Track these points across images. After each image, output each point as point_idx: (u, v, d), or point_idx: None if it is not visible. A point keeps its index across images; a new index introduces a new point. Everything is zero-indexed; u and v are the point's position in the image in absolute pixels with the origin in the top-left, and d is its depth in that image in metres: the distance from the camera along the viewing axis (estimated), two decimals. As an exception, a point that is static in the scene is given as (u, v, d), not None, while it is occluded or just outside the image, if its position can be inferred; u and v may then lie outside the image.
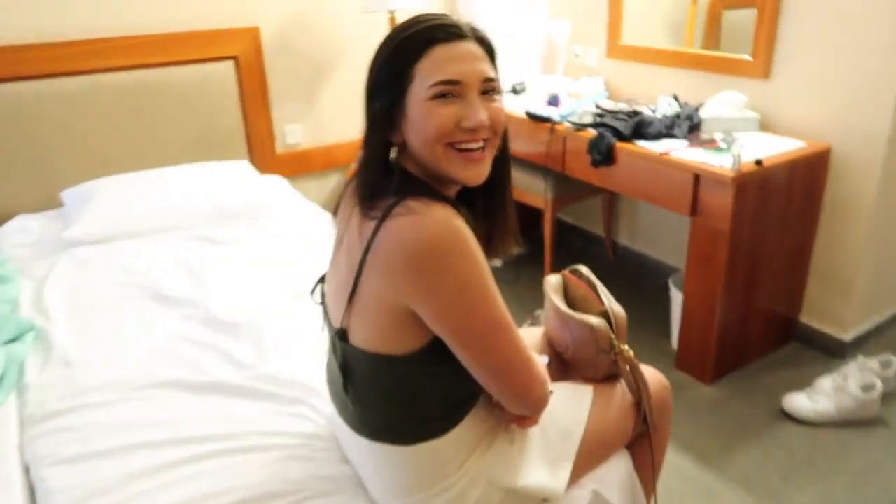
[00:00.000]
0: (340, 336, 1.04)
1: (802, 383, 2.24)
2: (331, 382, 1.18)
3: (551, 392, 1.09)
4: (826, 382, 2.16)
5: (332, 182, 3.17)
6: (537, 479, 1.14)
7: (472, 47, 1.00)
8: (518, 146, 2.85)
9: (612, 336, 1.29)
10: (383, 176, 1.01)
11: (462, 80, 0.97)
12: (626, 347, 1.30)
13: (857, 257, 2.33)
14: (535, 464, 1.15)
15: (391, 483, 1.10)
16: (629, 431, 1.31)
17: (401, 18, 2.83)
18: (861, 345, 2.47)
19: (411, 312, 0.96)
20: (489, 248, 1.14)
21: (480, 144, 1.01)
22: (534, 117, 2.72)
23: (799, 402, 2.15)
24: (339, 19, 2.97)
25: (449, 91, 0.97)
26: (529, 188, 2.89)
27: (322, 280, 1.19)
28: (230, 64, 2.75)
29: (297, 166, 3.03)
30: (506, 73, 3.19)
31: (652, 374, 1.38)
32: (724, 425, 2.13)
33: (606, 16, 2.99)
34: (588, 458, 1.23)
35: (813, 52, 2.28)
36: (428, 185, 1.01)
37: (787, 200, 2.27)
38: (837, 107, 2.26)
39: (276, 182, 2.66)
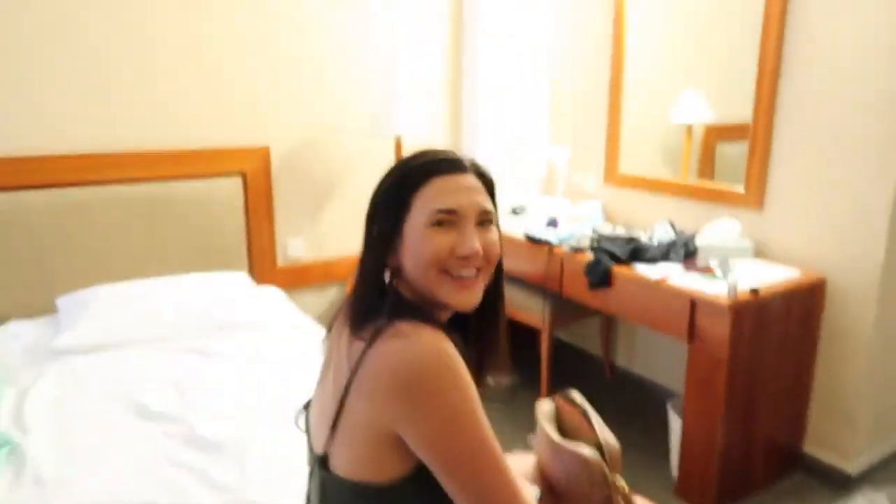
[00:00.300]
0: (321, 463, 1.01)
1: (809, 520, 2.14)
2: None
3: None
4: (834, 520, 2.07)
5: (330, 295, 3.18)
6: None
7: (471, 180, 1.04)
8: (517, 266, 2.88)
9: (606, 468, 1.24)
10: (376, 298, 1.02)
11: (458, 210, 1.00)
12: (621, 480, 1.26)
13: (857, 387, 2.29)
14: None
15: None
16: None
17: (406, 143, 2.98)
18: (868, 477, 2.38)
19: (397, 438, 0.93)
20: (479, 376, 1.13)
21: (473, 272, 1.03)
22: (532, 239, 2.78)
23: (807, 541, 2.04)
24: (347, 141, 3.09)
25: (445, 220, 0.99)
26: (527, 308, 2.90)
27: (307, 406, 1.17)
28: (238, 179, 2.84)
29: (297, 279, 3.06)
30: (507, 195, 3.31)
31: None
32: (729, 565, 2.01)
33: (604, 144, 3.12)
34: None
35: (804, 185, 2.36)
36: (419, 309, 1.02)
37: (784, 329, 2.26)
38: (830, 237, 2.31)
39: (273, 294, 2.67)
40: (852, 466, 2.35)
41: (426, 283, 1.01)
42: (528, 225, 2.92)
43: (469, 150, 3.32)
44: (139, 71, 2.59)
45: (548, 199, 3.31)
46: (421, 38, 3.22)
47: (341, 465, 0.99)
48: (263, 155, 2.89)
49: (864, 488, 2.19)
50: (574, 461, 1.25)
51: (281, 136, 2.94)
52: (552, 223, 2.85)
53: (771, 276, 2.28)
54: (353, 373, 0.95)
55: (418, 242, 0.99)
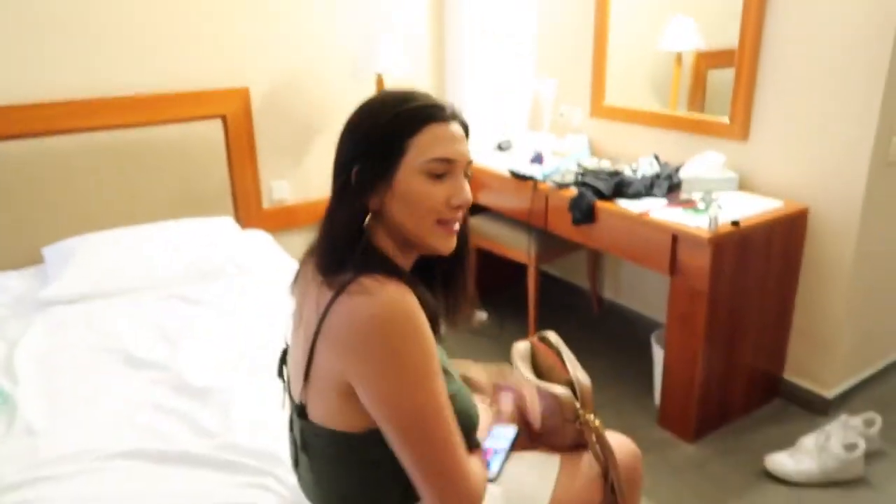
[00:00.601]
0: (299, 412, 1.03)
1: (786, 442, 2.21)
2: (292, 457, 1.17)
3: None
4: (809, 441, 2.14)
5: (317, 237, 3.19)
6: None
7: (459, 129, 1.04)
8: (502, 202, 2.88)
9: (577, 405, 1.28)
10: (350, 244, 1.01)
11: (455, 159, 1.02)
12: (593, 417, 1.30)
13: (837, 316, 2.33)
14: None
15: None
16: (596, 502, 1.29)
17: (388, 81, 2.93)
18: (845, 402, 2.46)
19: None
20: (449, 318, 1.15)
21: (459, 219, 1.06)
22: (517, 175, 2.76)
23: (782, 461, 2.12)
24: (328, 81, 3.03)
25: (444, 170, 1.00)
26: (513, 243, 2.91)
27: (284, 355, 1.19)
28: (218, 122, 2.80)
29: (283, 222, 3.06)
30: (492, 130, 3.27)
31: (621, 443, 1.37)
32: (705, 486, 2.10)
33: (591, 76, 3.06)
34: None
35: (789, 115, 2.33)
36: (388, 261, 1.02)
37: (765, 260, 2.28)
38: (814, 168, 2.30)
39: (259, 237, 2.68)
40: (830, 392, 2.41)
41: (418, 231, 1.02)
42: (513, 161, 2.90)
43: (454, 86, 3.26)
44: (113, 14, 2.52)
45: (534, 134, 3.28)
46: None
47: (318, 415, 1.01)
48: (243, 96, 2.84)
49: (839, 414, 2.26)
50: (547, 399, 1.30)
51: (261, 76, 2.88)
52: (537, 159, 2.83)
53: (754, 208, 2.28)
54: (320, 323, 0.96)
55: (415, 192, 0.99)
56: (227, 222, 2.64)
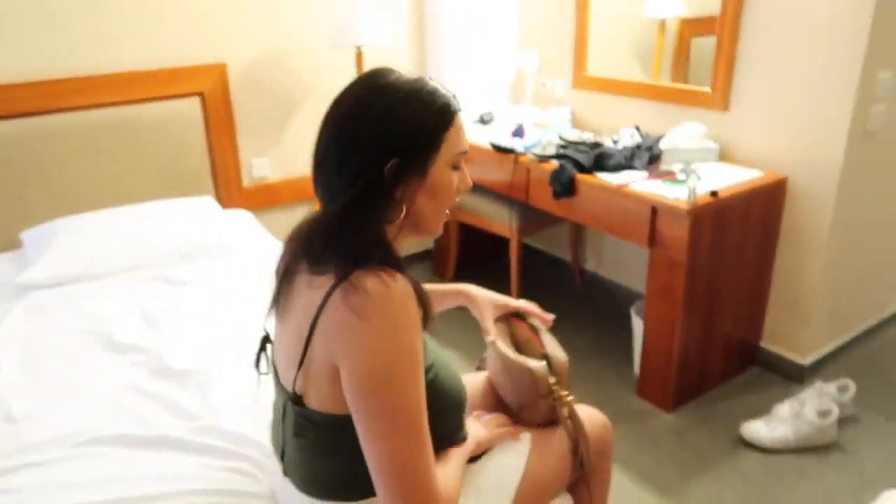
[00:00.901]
0: (294, 400, 1.03)
1: (762, 409, 2.26)
2: (276, 444, 1.17)
3: None
4: (784, 409, 2.19)
5: (299, 215, 3.14)
6: None
7: None
8: (484, 175, 2.88)
9: (551, 380, 1.30)
10: (367, 237, 0.98)
11: (468, 150, 1.07)
12: (566, 392, 1.32)
13: (814, 284, 2.36)
14: None
15: None
16: (567, 476, 1.32)
17: (368, 54, 2.89)
18: (819, 369, 2.51)
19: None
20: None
21: None
22: (498, 148, 2.76)
23: (757, 429, 2.17)
24: (307, 54, 2.99)
25: (461, 161, 1.06)
26: (495, 217, 2.92)
27: (265, 342, 1.19)
28: (196, 100, 2.77)
29: (265, 200, 3.04)
30: (474, 103, 3.25)
31: (591, 415, 1.40)
32: (683, 454, 2.14)
33: (573, 47, 3.04)
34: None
35: (769, 85, 2.33)
36: (392, 252, 1.01)
37: (744, 230, 2.30)
38: (793, 138, 2.31)
39: (241, 217, 2.67)
40: (806, 360, 2.46)
41: (436, 218, 1.06)
42: (495, 134, 2.88)
43: (435, 58, 3.23)
44: (82, -10, 2.47)
45: (516, 107, 3.26)
46: (378, -61, 3.05)
47: (314, 400, 1.01)
48: (221, 72, 2.81)
49: (814, 381, 2.31)
50: (521, 374, 1.31)
51: (238, 51, 2.84)
52: (518, 132, 2.82)
53: (733, 179, 2.29)
54: (319, 311, 0.95)
55: (444, 182, 1.03)
56: (208, 202, 2.63)
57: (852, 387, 2.24)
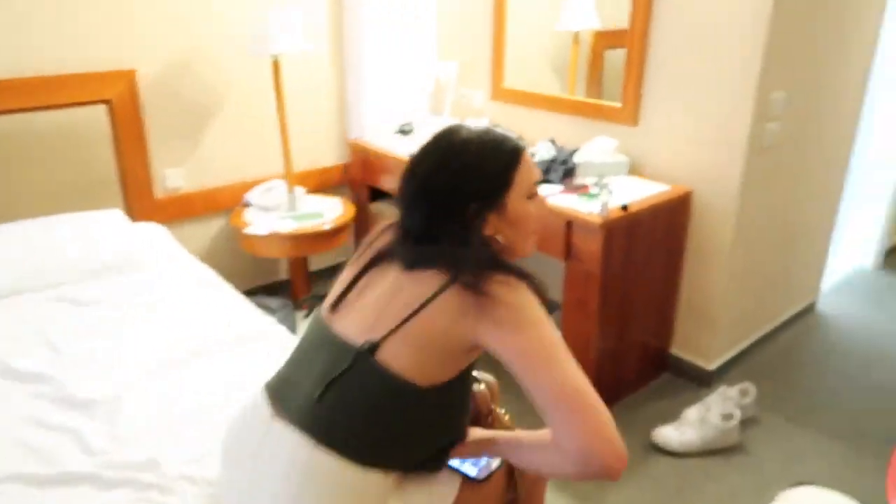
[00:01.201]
0: (371, 350, 1.09)
1: (673, 415, 2.36)
2: (292, 387, 1.18)
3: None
4: (692, 413, 2.30)
5: (215, 227, 3.08)
6: None
7: None
8: (404, 188, 2.87)
9: (491, 404, 1.35)
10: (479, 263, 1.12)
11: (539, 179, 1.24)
12: (503, 410, 1.37)
13: (718, 292, 2.49)
14: None
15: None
16: (501, 498, 1.35)
17: (285, 61, 2.84)
18: (724, 373, 2.64)
19: (466, 348, 1.08)
20: None
21: None
22: (418, 160, 2.76)
23: (667, 434, 2.27)
24: (222, 63, 2.91)
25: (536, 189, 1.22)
26: (417, 229, 2.92)
27: (317, 299, 1.23)
28: (103, 108, 2.65)
29: (178, 211, 2.94)
30: (394, 114, 3.25)
31: None
32: (600, 462, 2.21)
33: (490, 58, 3.08)
34: None
35: (675, 101, 2.44)
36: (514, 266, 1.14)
37: (653, 241, 2.40)
38: (697, 154, 2.42)
39: (152, 231, 2.57)
40: (712, 364, 2.59)
41: (523, 244, 1.22)
42: (415, 146, 2.88)
43: (354, 68, 3.20)
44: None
45: (436, 118, 3.28)
46: (295, -54, 3.00)
47: (390, 360, 1.08)
48: (129, 79, 2.69)
49: (720, 384, 2.43)
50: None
51: (149, 58, 2.73)
52: (438, 144, 2.83)
53: (643, 192, 2.38)
54: (440, 292, 1.07)
55: (522, 213, 1.18)
56: (116, 215, 2.51)
57: (753, 390, 2.38)
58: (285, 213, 2.95)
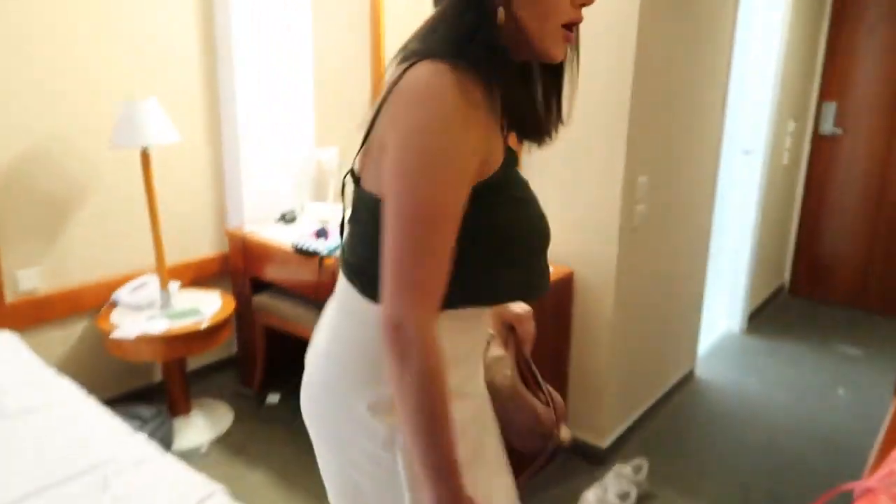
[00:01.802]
0: (355, 180, 1.05)
1: (571, 499, 2.34)
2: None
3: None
4: (591, 496, 2.29)
5: (78, 331, 2.82)
6: None
7: None
8: (288, 276, 2.78)
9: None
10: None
11: None
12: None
13: (603, 367, 2.54)
14: None
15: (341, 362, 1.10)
16: None
17: (155, 151, 2.71)
18: (618, 449, 2.67)
19: None
20: (542, 122, 1.22)
21: (580, 23, 1.02)
22: (301, 251, 2.69)
23: (569, 520, 2.24)
24: (87, 153, 2.74)
25: None
26: (301, 320, 2.81)
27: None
28: (-58, 207, 2.40)
29: (33, 316, 2.67)
30: (275, 201, 3.17)
31: None
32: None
33: (369, 145, 3.09)
34: None
35: (552, 189, 2.52)
36: (502, 50, 0.97)
37: (541, 322, 2.40)
38: (576, 235, 2.51)
39: (1, 340, 2.31)
40: (605, 441, 2.61)
41: (542, 33, 0.98)
42: (298, 235, 2.82)
43: (231, 155, 3.12)
44: None
45: (319, 204, 3.23)
46: (170, 46, 2.92)
47: (370, 183, 1.01)
48: (-27, 173, 2.47)
49: (615, 460, 2.44)
50: (524, 410, 1.36)
51: (-2, 148, 2.52)
52: (322, 233, 2.78)
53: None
54: (389, 91, 0.96)
55: None
56: (-43, 326, 2.25)
57: (645, 465, 2.41)
58: (158, 311, 2.75)
